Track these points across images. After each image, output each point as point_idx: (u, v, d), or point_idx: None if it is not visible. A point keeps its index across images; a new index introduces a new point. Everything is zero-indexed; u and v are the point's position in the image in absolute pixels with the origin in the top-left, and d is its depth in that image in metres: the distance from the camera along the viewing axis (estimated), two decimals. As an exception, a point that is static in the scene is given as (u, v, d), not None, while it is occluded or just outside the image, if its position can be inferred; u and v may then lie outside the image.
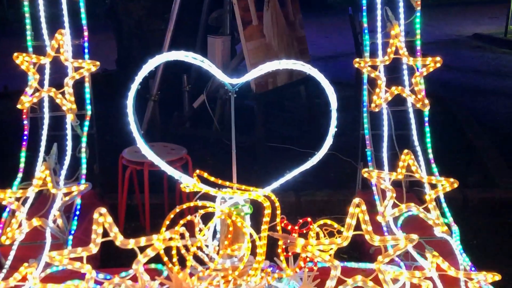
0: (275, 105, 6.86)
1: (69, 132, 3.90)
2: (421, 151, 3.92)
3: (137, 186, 4.44)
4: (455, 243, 3.40)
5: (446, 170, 3.93)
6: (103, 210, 2.78)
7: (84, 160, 3.84)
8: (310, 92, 6.57)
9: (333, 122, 2.82)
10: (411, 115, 4.01)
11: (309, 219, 2.95)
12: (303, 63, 2.81)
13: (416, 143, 3.97)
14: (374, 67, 3.91)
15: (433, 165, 3.88)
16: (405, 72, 3.99)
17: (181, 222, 2.84)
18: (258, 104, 5.65)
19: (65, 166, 3.79)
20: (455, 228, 3.51)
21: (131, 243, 2.84)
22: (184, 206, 2.87)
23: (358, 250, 3.94)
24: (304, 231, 2.95)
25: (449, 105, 7.37)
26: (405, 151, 3.68)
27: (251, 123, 5.74)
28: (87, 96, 4.02)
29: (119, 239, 2.84)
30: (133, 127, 2.77)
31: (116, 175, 4.34)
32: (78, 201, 3.66)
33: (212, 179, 2.86)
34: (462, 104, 7.75)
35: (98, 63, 3.87)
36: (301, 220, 2.98)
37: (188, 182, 2.87)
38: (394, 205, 3.56)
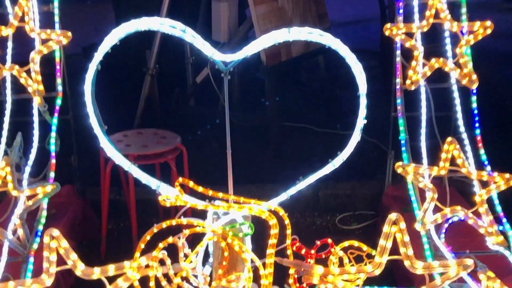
0: (290, 77, 6.32)
1: (36, 118, 3.28)
2: (468, 139, 3.20)
3: (124, 179, 3.76)
4: (515, 259, 2.76)
5: (499, 163, 3.25)
6: (56, 232, 2.11)
7: (53, 154, 3.16)
8: (329, 62, 5.85)
9: (362, 112, 2.12)
10: (456, 94, 3.34)
11: (329, 241, 2.25)
12: (321, 32, 2.09)
13: (462, 128, 3.27)
14: (409, 35, 3.28)
15: (484, 157, 3.18)
16: (448, 41, 3.38)
17: (160, 245, 2.16)
18: (269, 78, 5.09)
19: (30, 161, 3.16)
20: (514, 238, 2.92)
21: (96, 273, 2.19)
22: (164, 225, 2.17)
23: (391, 277, 3.25)
24: (323, 256, 2.26)
25: (486, 76, 6.55)
26: (449, 139, 2.99)
27: (261, 99, 5.21)
28: (58, 74, 3.34)
29: (79, 268, 2.18)
30: (92, 120, 2.08)
31: (99, 166, 3.68)
32: (44, 210, 2.98)
33: (201, 189, 2.15)
34: (501, 74, 6.96)
35: (69, 33, 3.27)
36: (318, 242, 2.29)
37: (169, 193, 2.16)
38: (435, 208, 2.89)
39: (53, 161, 3.18)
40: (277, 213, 2.23)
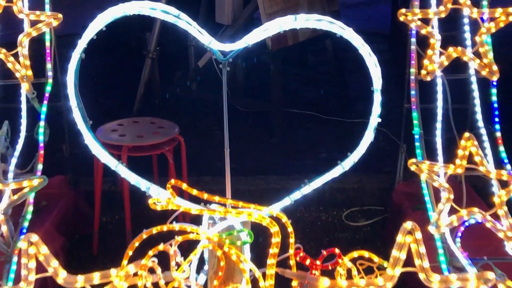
0: (295, 61, 6.13)
1: (24, 106, 3.09)
2: (487, 134, 3.01)
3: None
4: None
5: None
6: (35, 237, 1.90)
7: (41, 144, 2.96)
8: (337, 45, 5.63)
9: (376, 109, 1.89)
10: (475, 86, 3.13)
11: (336, 250, 2.03)
12: (331, 20, 1.85)
13: (481, 123, 3.04)
14: (425, 21, 3.07)
15: (503, 155, 2.99)
16: (467, 28, 3.16)
17: (150, 252, 1.96)
18: (274, 63, 4.89)
19: (17, 152, 2.97)
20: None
21: (80, 281, 1.99)
22: (154, 230, 1.96)
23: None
24: (330, 267, 2.05)
25: (508, 67, 6.28)
26: (466, 134, 2.79)
27: (266, 85, 5.02)
28: (48, 59, 3.15)
29: (61, 276, 1.98)
30: (76, 114, 1.86)
31: (92, 155, 3.47)
32: (30, 205, 2.79)
33: (195, 192, 1.94)
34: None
35: (60, 15, 3.06)
36: (325, 252, 2.07)
37: (160, 196, 1.95)
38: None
39: (41, 152, 2.99)
40: (280, 219, 2.01)
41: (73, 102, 1.90)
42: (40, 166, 2.95)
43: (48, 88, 3.14)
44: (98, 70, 5.82)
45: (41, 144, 2.99)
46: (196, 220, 2.10)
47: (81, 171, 3.74)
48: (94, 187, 3.49)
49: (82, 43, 1.87)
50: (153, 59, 5.21)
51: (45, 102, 3.07)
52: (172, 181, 1.96)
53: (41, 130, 3.03)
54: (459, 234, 2.76)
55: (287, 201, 2.07)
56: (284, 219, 1.99)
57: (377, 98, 1.93)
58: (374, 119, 1.98)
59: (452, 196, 2.70)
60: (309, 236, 3.57)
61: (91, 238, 3.44)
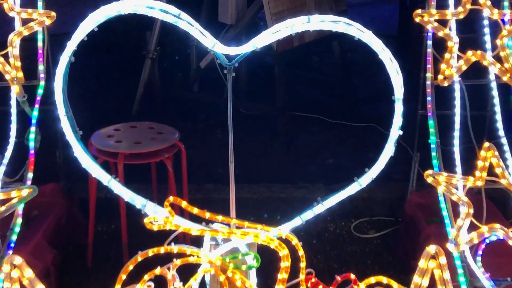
0: (301, 63, 5.94)
1: (14, 110, 2.90)
2: (508, 144, 2.87)
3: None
4: None
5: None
6: (18, 260, 1.72)
7: (32, 151, 2.78)
8: (344, 46, 5.46)
9: (397, 121, 1.70)
10: (495, 92, 2.95)
11: (352, 276, 1.85)
12: (348, 21, 1.66)
13: (501, 132, 2.88)
14: (442, 23, 2.87)
15: None
16: (487, 30, 3.01)
17: (146, 276, 1.77)
18: (279, 65, 4.73)
19: (6, 159, 2.82)
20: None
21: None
22: (150, 253, 1.77)
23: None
24: (345, 294, 1.86)
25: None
26: (486, 144, 2.62)
27: (270, 87, 4.84)
28: (40, 59, 2.96)
29: (47, 303, 1.79)
30: (64, 124, 1.67)
31: (87, 161, 3.29)
32: (19, 217, 2.61)
33: (196, 210, 1.75)
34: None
35: (53, 13, 2.89)
36: (339, 278, 1.87)
37: (158, 214, 1.76)
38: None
39: (32, 159, 2.80)
40: (289, 241, 1.82)
41: (61, 110, 1.72)
42: (30, 175, 2.76)
43: (40, 91, 2.95)
44: (95, 71, 5.64)
45: (32, 151, 2.80)
46: (197, 241, 1.91)
47: (75, 178, 3.55)
48: (88, 195, 3.31)
49: (71, 45, 1.69)
50: (153, 60, 5.03)
51: (37, 106, 2.88)
52: (171, 198, 1.78)
53: (32, 136, 2.83)
54: (480, 252, 2.58)
55: (298, 221, 1.88)
56: (295, 241, 1.81)
57: (399, 108, 1.74)
58: (395, 132, 1.80)
59: (472, 211, 2.52)
60: (316, 249, 3.38)
61: (85, 249, 3.25)
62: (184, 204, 1.78)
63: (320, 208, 1.89)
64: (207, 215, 1.80)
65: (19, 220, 2.64)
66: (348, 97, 5.41)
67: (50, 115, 3.19)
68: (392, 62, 1.74)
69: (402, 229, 3.42)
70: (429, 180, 2.69)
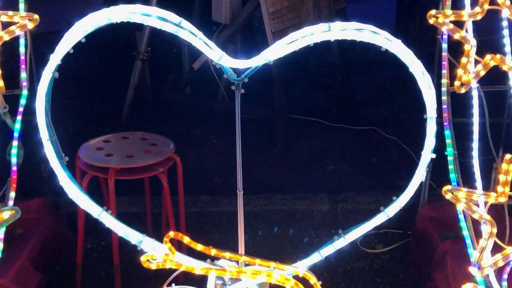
0: (299, 64, 5.72)
1: (-6, 122, 2.67)
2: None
3: (104, 190, 3.13)
4: None
5: None
6: None
7: (14, 168, 2.53)
8: (343, 45, 5.26)
9: (430, 142, 1.48)
10: None
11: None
12: (375, 29, 1.45)
13: (521, 142, 2.66)
14: (458, 24, 2.65)
15: None
16: (506, 32, 2.77)
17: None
18: (277, 66, 4.44)
19: None
20: None
21: None
22: (148, 295, 1.56)
23: None
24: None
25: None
26: (508, 156, 2.41)
27: (268, 89, 4.61)
28: (23, 67, 2.72)
29: None
30: (47, 149, 1.44)
31: (74, 174, 3.05)
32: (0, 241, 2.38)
33: (200, 247, 1.53)
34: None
35: (36, 16, 2.63)
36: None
37: (155, 251, 1.54)
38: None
39: (14, 177, 2.54)
40: (307, 280, 1.61)
41: (44, 134, 1.50)
42: (12, 194, 2.50)
43: (23, 101, 2.70)
44: (82, 73, 5.38)
45: (14, 168, 2.55)
46: (201, 281, 1.69)
47: (62, 191, 3.32)
48: (77, 209, 3.08)
49: (55, 59, 1.46)
50: (143, 61, 4.79)
51: (19, 117, 2.63)
52: (171, 233, 1.56)
53: (14, 150, 2.59)
54: (505, 276, 2.38)
55: (316, 257, 1.68)
56: (313, 280, 1.60)
57: (432, 127, 1.53)
58: (427, 155, 1.58)
59: (495, 231, 2.32)
60: (321, 266, 3.16)
61: (74, 269, 3.02)
62: (186, 239, 1.56)
63: (341, 242, 1.69)
64: (213, 252, 1.58)
65: (0, 245, 2.41)
66: (348, 99, 5.20)
67: (33, 124, 2.97)
68: (424, 75, 1.52)
69: (413, 244, 3.21)
70: (448, 196, 2.47)
